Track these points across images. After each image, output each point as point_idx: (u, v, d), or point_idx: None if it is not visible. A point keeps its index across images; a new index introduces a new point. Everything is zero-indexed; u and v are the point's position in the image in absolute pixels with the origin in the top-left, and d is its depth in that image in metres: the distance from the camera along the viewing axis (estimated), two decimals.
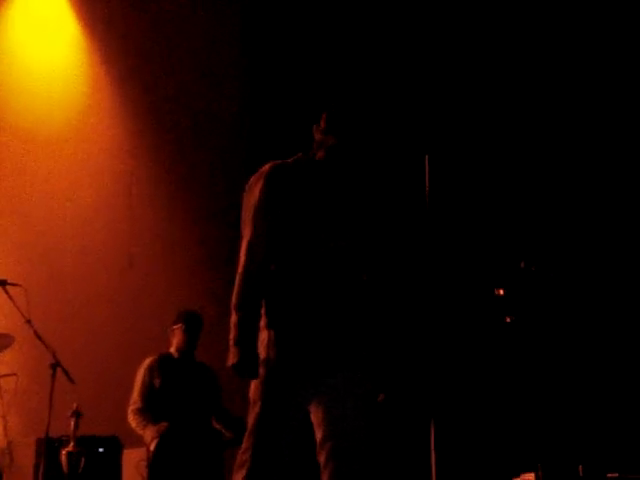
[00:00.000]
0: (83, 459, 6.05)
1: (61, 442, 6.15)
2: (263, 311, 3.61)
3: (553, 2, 7.43)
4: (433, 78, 7.46)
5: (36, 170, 7.83)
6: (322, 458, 3.57)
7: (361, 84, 7.05)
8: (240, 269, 3.61)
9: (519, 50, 7.35)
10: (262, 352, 3.55)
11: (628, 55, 7.21)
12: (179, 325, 6.50)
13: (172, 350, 6.55)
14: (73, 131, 8.01)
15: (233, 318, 3.55)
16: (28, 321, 6.25)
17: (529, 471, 6.01)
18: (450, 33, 7.55)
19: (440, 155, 5.49)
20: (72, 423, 6.05)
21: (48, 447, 6.15)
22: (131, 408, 6.34)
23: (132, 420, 6.30)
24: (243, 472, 3.47)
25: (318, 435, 3.59)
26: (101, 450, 6.39)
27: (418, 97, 7.38)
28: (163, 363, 6.45)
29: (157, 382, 6.36)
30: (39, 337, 6.22)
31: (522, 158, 7.24)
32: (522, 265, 5.78)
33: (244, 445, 3.52)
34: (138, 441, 6.35)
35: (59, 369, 6.21)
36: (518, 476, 6.20)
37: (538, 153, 7.24)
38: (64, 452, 6.03)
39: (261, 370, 3.52)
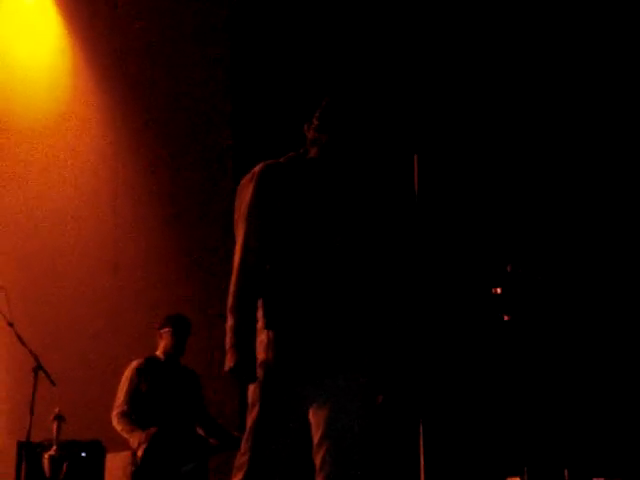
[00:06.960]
0: (65, 464, 6.00)
1: (43, 446, 6.06)
2: (261, 313, 3.55)
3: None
4: (422, 78, 7.46)
5: (17, 168, 7.74)
6: (318, 459, 3.53)
7: (349, 83, 7.03)
8: (234, 271, 3.54)
9: (506, 51, 7.36)
10: (261, 354, 3.49)
11: (609, 54, 7.24)
12: (167, 329, 6.45)
13: (158, 353, 6.49)
14: (56, 128, 7.93)
15: (229, 322, 3.48)
16: (10, 324, 6.16)
17: (515, 475, 6.00)
18: (438, 32, 7.54)
19: (429, 155, 5.49)
20: (54, 427, 6.00)
21: (30, 451, 6.06)
22: (116, 411, 6.26)
23: (117, 424, 6.21)
24: (241, 475, 3.43)
25: (316, 436, 3.54)
26: (84, 454, 6.29)
27: (407, 97, 7.37)
28: (150, 366, 6.39)
29: (144, 386, 6.30)
30: (21, 340, 6.14)
31: (511, 158, 7.26)
32: (509, 268, 5.77)
33: (242, 447, 3.47)
34: (121, 445, 6.28)
35: (41, 373, 6.13)
36: None
37: (527, 153, 7.25)
38: (46, 456, 5.97)
39: (260, 372, 3.46)
